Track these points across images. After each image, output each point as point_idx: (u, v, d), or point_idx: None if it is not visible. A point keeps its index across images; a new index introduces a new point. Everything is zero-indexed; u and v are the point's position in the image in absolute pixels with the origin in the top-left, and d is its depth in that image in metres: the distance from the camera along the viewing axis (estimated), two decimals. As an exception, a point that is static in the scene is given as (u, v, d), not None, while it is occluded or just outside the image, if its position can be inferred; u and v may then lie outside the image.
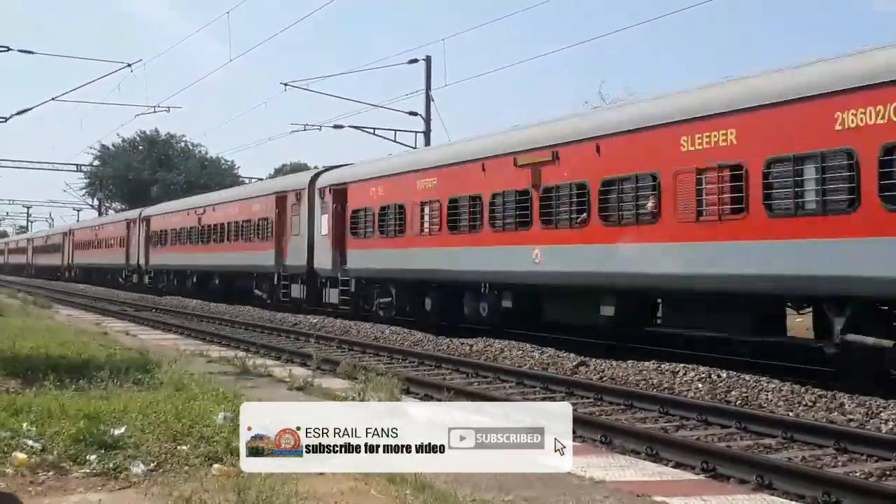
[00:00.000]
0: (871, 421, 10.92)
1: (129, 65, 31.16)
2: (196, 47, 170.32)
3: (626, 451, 9.63)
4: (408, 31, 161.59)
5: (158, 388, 10.82)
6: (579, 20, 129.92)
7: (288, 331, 24.51)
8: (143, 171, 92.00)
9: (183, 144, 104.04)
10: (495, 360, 17.53)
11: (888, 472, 8.71)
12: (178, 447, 7.65)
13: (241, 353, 17.51)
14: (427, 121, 38.45)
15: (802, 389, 12.61)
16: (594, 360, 16.27)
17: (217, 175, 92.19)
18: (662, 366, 14.98)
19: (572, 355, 16.95)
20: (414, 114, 38.74)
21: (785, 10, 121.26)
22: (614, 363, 15.75)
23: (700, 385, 13.64)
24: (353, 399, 10.92)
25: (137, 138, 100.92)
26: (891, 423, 10.66)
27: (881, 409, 11.28)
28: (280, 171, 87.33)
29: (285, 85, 39.00)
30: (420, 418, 10.25)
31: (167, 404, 9.23)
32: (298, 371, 14.49)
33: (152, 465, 7.17)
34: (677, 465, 9.00)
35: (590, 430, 10.53)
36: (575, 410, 11.90)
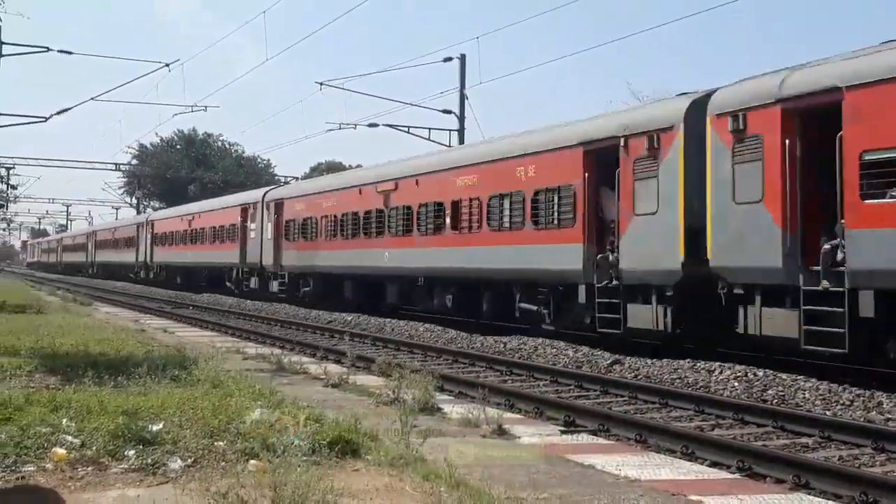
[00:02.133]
0: (910, 421, 10.78)
1: (167, 64, 31.58)
2: (233, 47, 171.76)
3: (662, 449, 9.57)
4: (443, 29, 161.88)
5: (195, 385, 10.94)
6: (608, 19, 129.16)
7: (322, 328, 24.65)
8: (180, 169, 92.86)
9: (220, 143, 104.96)
10: (529, 358, 17.51)
11: (927, 473, 8.61)
12: (215, 443, 7.72)
13: (276, 351, 17.64)
14: (461, 119, 38.45)
15: (840, 388, 12.48)
16: (629, 358, 16.20)
17: (253, 174, 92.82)
18: (698, 364, 14.88)
19: (607, 353, 16.89)
20: (448, 112, 38.77)
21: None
22: (649, 361, 15.67)
23: (736, 384, 13.54)
24: (388, 396, 10.98)
25: (175, 137, 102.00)
26: (930, 423, 10.52)
27: (921, 408, 11.14)
28: (315, 170, 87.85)
29: (320, 84, 39.29)
30: (454, 415, 10.32)
31: (204, 401, 9.33)
32: (333, 368, 14.57)
33: (189, 460, 7.25)
34: (713, 465, 8.93)
35: (624, 429, 10.49)
36: (609, 409, 11.97)
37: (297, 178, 64.70)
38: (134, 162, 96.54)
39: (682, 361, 15.20)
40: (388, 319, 25.83)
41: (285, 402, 9.75)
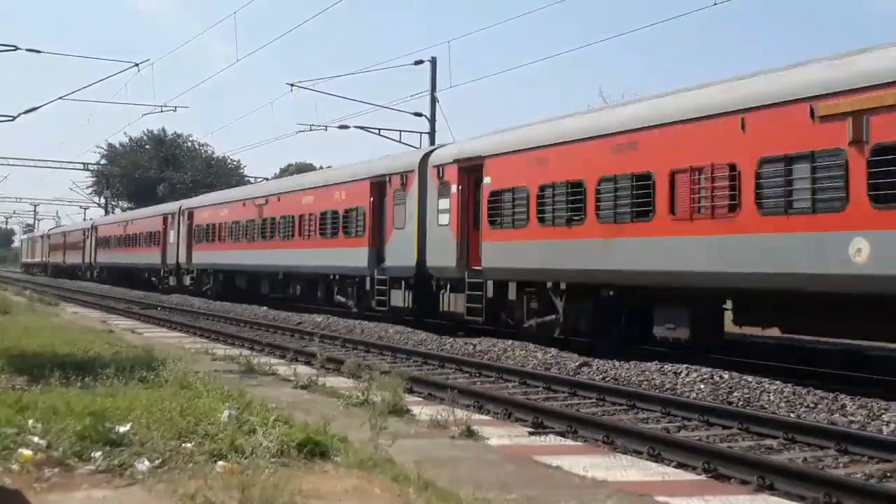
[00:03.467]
0: (872, 423, 10.94)
1: (137, 64, 31.26)
2: (203, 47, 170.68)
3: (629, 451, 9.66)
4: (414, 32, 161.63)
5: (164, 386, 10.87)
6: (583, 23, 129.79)
7: (292, 329, 24.60)
8: (149, 170, 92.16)
9: (189, 144, 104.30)
10: (499, 360, 17.58)
11: (889, 474, 8.73)
12: (183, 444, 7.68)
13: (245, 352, 17.58)
14: (432, 121, 38.52)
15: (804, 391, 12.64)
16: (597, 360, 16.31)
17: (223, 175, 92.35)
18: (665, 366, 15.01)
19: (575, 355, 16.99)
20: (419, 114, 38.81)
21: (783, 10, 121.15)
22: (617, 364, 15.78)
23: (702, 386, 13.67)
24: (357, 398, 10.98)
25: (144, 137, 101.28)
26: (892, 425, 10.68)
27: (883, 410, 11.30)
28: (285, 171, 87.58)
29: (291, 85, 39.19)
30: (424, 417, 10.35)
31: (172, 402, 9.27)
32: (303, 370, 14.55)
33: (157, 462, 7.20)
34: (679, 466, 9.03)
35: (592, 431, 10.57)
36: (577, 410, 12.05)
37: (266, 179, 64.47)
38: (103, 162, 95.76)
39: (649, 364, 15.32)
40: (358, 321, 25.82)
41: (254, 403, 9.71)
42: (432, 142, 37.68)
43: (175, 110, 43.81)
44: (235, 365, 15.31)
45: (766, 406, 12.29)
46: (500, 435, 9.86)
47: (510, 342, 19.19)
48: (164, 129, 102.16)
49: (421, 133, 38.75)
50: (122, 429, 7.92)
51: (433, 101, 38.31)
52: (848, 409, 11.65)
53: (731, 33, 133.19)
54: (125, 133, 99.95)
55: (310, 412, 9.71)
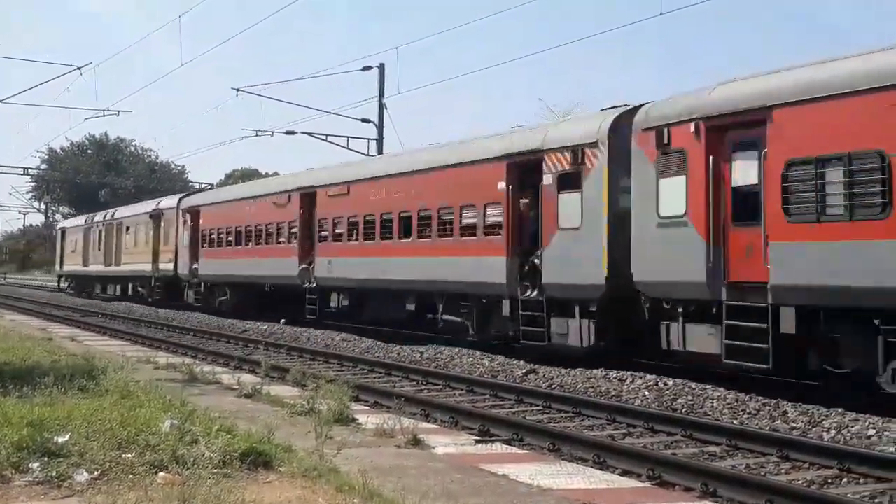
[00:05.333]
0: (813, 429, 11.10)
1: (79, 68, 30.70)
2: (147, 50, 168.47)
3: (574, 458, 9.69)
4: (362, 38, 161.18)
5: (104, 396, 10.68)
6: (530, 32, 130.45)
7: (237, 337, 24.32)
8: (91, 175, 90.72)
9: (132, 148, 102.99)
10: (445, 368, 17.56)
11: (830, 480, 8.88)
12: (123, 455, 7.55)
13: (188, 361, 17.35)
14: (380, 128, 38.48)
15: (747, 397, 12.79)
16: (544, 367, 16.36)
17: (167, 180, 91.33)
18: (610, 374, 15.10)
19: (522, 363, 17.04)
20: (367, 121, 38.74)
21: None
22: (563, 371, 15.84)
23: (647, 393, 13.78)
24: (303, 406, 10.89)
25: (86, 142, 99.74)
26: (833, 432, 10.85)
27: (823, 417, 11.48)
28: (230, 177, 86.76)
29: (237, 90, 38.89)
30: (370, 426, 10.29)
31: (112, 412, 9.12)
32: (247, 378, 14.38)
33: (96, 473, 7.08)
34: (624, 473, 9.07)
35: (538, 438, 10.59)
36: (524, 418, 12.07)
37: (211, 185, 63.88)
38: (43, 166, 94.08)
39: (595, 371, 15.41)
40: (304, 329, 25.61)
41: (197, 413, 9.58)
42: (380, 150, 37.58)
43: (118, 114, 42.97)
44: (178, 374, 15.10)
45: (710, 413, 12.42)
46: (447, 443, 9.84)
47: (457, 349, 19.17)
48: (106, 134, 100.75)
49: (368, 139, 38.71)
50: (60, 439, 7.77)
51: (381, 107, 38.30)
52: (790, 415, 11.82)
53: (680, 42, 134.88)
54: (66, 137, 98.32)
55: (254, 421, 9.60)
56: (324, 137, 38.95)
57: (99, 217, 49.89)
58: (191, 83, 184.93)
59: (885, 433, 10.48)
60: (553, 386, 15.05)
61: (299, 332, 25.07)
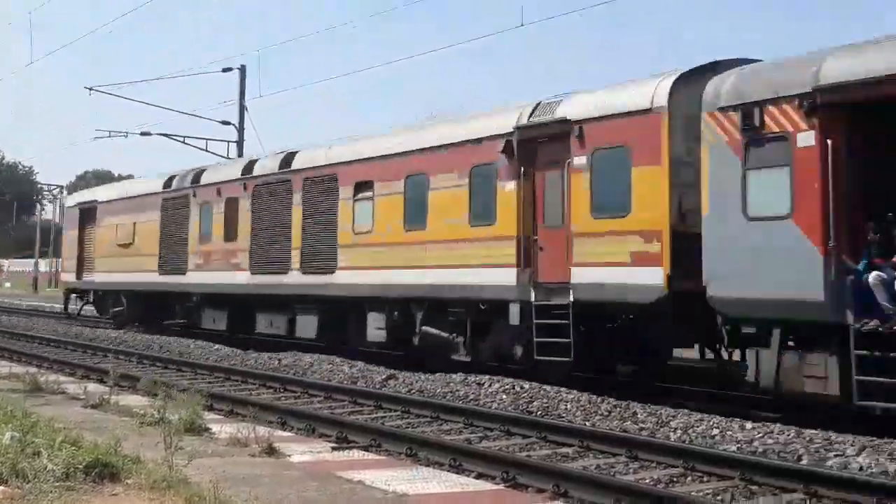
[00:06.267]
0: (661, 429, 11.49)
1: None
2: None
3: (431, 463, 9.72)
4: (222, 39, 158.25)
5: (-63, 408, 10.08)
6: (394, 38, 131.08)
7: (85, 345, 23.39)
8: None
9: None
10: (304, 375, 17.35)
11: (675, 479, 9.19)
12: (-43, 470, 7.14)
13: (32, 370, 16.56)
14: (240, 130, 37.86)
15: (599, 399, 13.13)
16: (403, 373, 16.38)
17: (14, 182, 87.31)
18: (469, 378, 15.25)
19: (382, 368, 17.01)
20: (227, 123, 38.05)
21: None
22: (423, 376, 15.90)
23: (504, 396, 13.98)
24: (153, 416, 10.55)
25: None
26: (679, 432, 11.26)
27: (671, 417, 11.90)
28: (82, 179, 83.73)
29: (90, 89, 37.56)
30: (223, 435, 10.06)
31: (-54, 425, 8.62)
32: (95, 388, 13.87)
33: (-75, 490, 6.68)
34: (479, 476, 9.15)
35: (396, 444, 10.58)
36: (382, 424, 12.05)
37: (61, 188, 61.43)
38: None
39: (454, 375, 15.53)
40: (157, 336, 24.89)
41: (40, 424, 9.15)
42: (240, 153, 36.92)
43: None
44: (20, 383, 14.37)
45: (564, 415, 12.69)
46: (303, 451, 9.71)
47: (316, 356, 18.98)
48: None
49: (229, 142, 38.01)
50: None
51: (241, 109, 37.71)
52: (639, 416, 12.19)
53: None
54: None
55: (101, 432, 9.24)
56: (181, 139, 38.03)
57: None
58: (41, 82, 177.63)
59: (728, 433, 10.94)
60: (412, 391, 15.09)
61: (151, 340, 24.33)
